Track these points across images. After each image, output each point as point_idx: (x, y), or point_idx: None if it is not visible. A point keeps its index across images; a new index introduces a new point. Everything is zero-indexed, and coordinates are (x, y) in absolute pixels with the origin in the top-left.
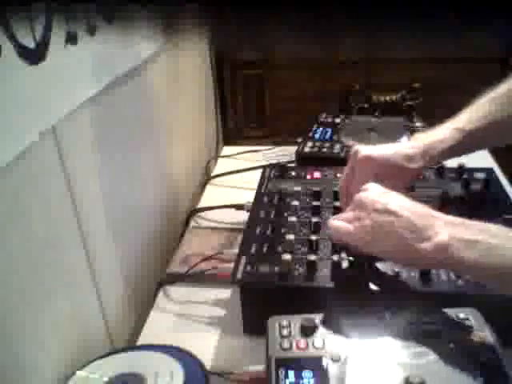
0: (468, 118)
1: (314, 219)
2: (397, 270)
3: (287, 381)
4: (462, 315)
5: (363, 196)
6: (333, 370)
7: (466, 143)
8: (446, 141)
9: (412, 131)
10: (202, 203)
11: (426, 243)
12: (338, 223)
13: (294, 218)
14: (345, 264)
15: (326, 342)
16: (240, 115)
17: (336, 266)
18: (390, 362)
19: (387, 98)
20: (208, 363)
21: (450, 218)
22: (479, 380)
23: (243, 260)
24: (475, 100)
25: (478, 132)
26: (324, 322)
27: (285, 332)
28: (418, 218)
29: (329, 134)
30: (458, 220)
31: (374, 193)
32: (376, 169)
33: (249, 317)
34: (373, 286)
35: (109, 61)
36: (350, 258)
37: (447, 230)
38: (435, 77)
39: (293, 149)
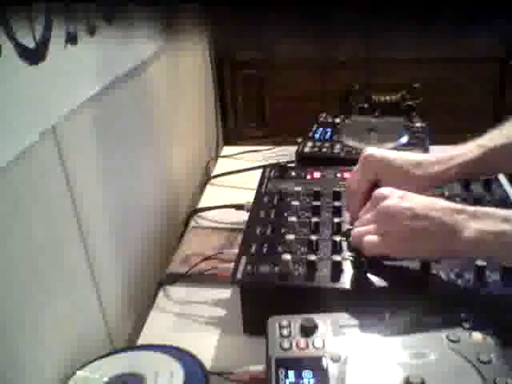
0: (491, 135)
1: (314, 219)
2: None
3: (287, 381)
4: (462, 315)
5: (391, 205)
6: (333, 369)
7: (486, 160)
8: (464, 155)
9: (412, 131)
10: (202, 203)
11: (457, 241)
12: (370, 238)
13: (294, 218)
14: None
15: (326, 342)
16: (240, 115)
17: (336, 266)
18: (390, 362)
19: (387, 97)
20: (208, 363)
21: (472, 209)
22: (479, 380)
23: (243, 260)
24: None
25: (497, 150)
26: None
27: (285, 332)
28: (444, 215)
29: (329, 133)
30: (480, 210)
31: (395, 199)
32: (377, 168)
33: (249, 317)
34: (379, 282)
35: (109, 61)
36: (350, 258)
37: (472, 224)
38: (435, 77)
39: (293, 149)
